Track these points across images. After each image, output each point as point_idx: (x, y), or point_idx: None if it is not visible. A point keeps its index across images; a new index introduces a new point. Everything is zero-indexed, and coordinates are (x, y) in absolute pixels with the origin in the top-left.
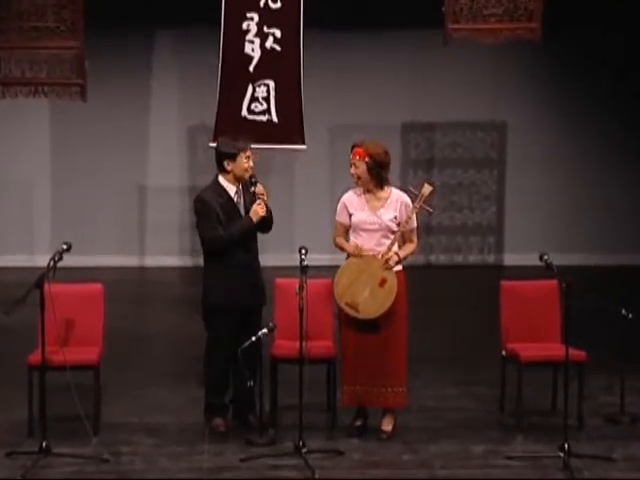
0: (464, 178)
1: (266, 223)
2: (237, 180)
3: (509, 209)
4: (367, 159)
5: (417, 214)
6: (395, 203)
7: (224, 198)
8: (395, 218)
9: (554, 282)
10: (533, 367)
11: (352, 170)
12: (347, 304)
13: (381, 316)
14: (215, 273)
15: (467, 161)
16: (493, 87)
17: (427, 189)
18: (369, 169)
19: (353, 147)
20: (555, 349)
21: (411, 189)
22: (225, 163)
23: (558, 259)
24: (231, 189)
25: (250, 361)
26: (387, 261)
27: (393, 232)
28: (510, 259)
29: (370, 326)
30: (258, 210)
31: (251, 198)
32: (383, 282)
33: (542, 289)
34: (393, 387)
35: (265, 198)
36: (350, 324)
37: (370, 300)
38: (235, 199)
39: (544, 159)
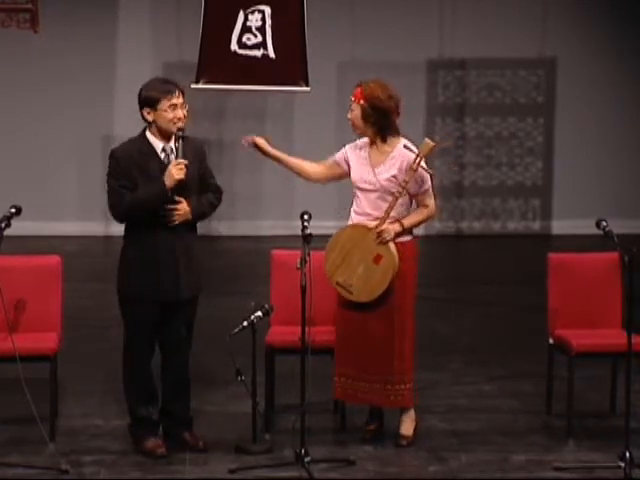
0: (503, 128)
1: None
2: (163, 135)
3: (558, 166)
4: (362, 102)
5: (431, 175)
6: (396, 159)
7: (147, 155)
8: (394, 178)
9: (614, 255)
10: (587, 358)
11: (348, 114)
12: (339, 284)
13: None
14: (127, 254)
15: (507, 107)
16: (540, 14)
17: (426, 146)
18: (364, 115)
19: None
20: (614, 336)
21: (409, 145)
22: (144, 111)
23: (619, 227)
24: (157, 145)
25: (173, 382)
26: (380, 234)
27: (393, 194)
28: (559, 227)
29: (362, 306)
30: (172, 172)
31: (194, 157)
32: (378, 258)
33: (599, 263)
34: (393, 384)
35: (184, 162)
36: (341, 301)
37: (364, 279)
38: (162, 157)
39: (602, 105)
